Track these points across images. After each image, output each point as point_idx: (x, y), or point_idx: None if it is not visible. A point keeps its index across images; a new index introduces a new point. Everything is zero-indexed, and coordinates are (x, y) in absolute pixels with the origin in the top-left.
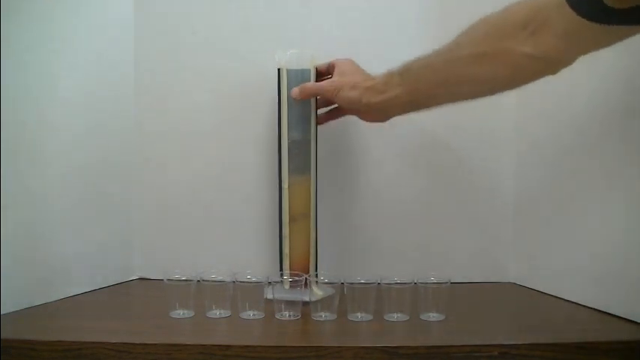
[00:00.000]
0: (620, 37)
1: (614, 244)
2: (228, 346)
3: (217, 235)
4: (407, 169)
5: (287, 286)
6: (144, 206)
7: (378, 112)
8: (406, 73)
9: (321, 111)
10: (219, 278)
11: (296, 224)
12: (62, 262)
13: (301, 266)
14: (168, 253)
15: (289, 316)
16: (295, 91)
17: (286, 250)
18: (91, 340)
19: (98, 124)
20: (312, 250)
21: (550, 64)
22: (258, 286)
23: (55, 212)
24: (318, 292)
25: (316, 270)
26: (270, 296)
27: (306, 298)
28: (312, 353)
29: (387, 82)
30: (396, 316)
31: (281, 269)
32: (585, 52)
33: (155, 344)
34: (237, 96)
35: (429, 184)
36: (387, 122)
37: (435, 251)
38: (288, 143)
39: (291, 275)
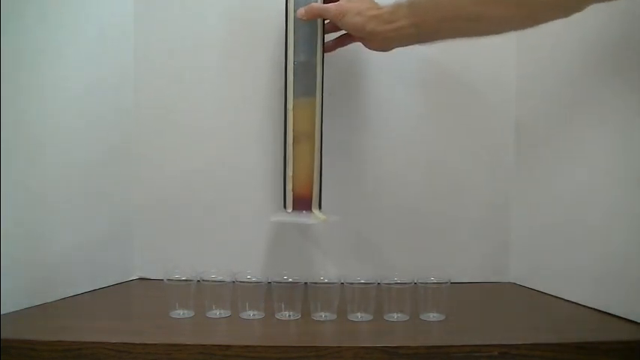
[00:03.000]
0: None
1: (614, 244)
2: (228, 346)
3: (217, 235)
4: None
5: (289, 209)
6: (144, 206)
7: (382, 41)
8: (415, 5)
9: (329, 38)
10: (219, 278)
11: (300, 146)
12: (62, 262)
13: (304, 189)
14: (168, 253)
15: (289, 316)
16: (301, 10)
17: (289, 172)
18: (91, 340)
19: (98, 124)
20: (316, 173)
21: (562, 10)
22: (258, 286)
23: (55, 212)
24: (320, 216)
25: (320, 193)
26: (275, 219)
27: (310, 221)
28: (312, 353)
29: (393, 12)
30: (396, 316)
31: (284, 192)
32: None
33: (155, 344)
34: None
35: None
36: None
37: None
38: (294, 65)
39: (294, 197)
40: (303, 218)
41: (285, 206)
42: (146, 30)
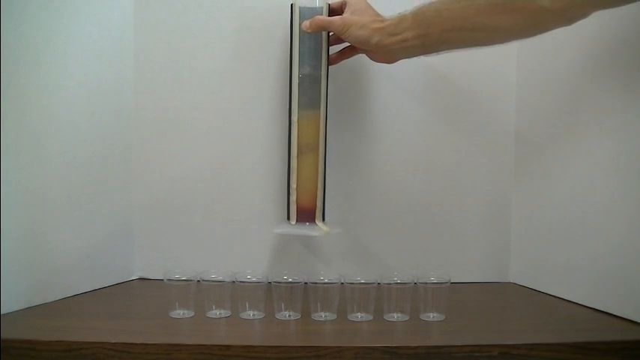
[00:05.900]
0: None
1: (613, 245)
2: (228, 346)
3: (217, 235)
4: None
5: (293, 221)
6: (144, 206)
7: (387, 53)
8: (419, 16)
9: (334, 50)
10: (219, 278)
11: (303, 158)
12: (62, 261)
13: (308, 201)
14: (169, 253)
15: (289, 316)
16: (306, 23)
17: (293, 184)
18: (91, 340)
19: (99, 125)
20: (320, 185)
21: (567, 18)
22: (258, 286)
23: (55, 212)
24: (324, 228)
25: (323, 205)
26: (278, 231)
27: (314, 233)
28: (312, 353)
29: (398, 24)
30: (396, 316)
31: (287, 203)
32: (602, 7)
33: (155, 344)
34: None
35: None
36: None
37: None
38: (299, 77)
39: (298, 209)
40: (306, 230)
41: (288, 218)
42: (146, 31)
